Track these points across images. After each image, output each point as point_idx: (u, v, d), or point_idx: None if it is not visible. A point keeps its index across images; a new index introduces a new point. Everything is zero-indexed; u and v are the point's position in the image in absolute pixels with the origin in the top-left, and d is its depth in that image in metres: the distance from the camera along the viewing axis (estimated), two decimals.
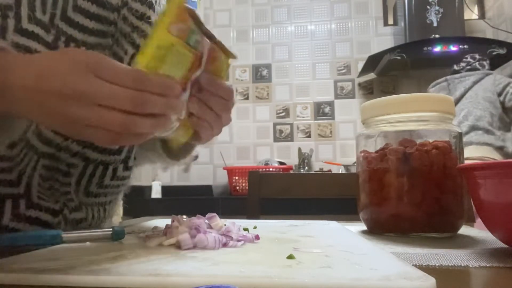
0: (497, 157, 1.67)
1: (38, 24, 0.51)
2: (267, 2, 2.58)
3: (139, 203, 2.02)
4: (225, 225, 0.46)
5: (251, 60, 2.55)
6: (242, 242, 0.43)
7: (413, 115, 0.57)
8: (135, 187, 0.73)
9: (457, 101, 1.84)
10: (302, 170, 2.32)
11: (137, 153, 0.71)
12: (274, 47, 2.55)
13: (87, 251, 0.40)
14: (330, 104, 2.47)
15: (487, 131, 1.74)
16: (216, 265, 0.33)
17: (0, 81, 0.38)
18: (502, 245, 0.46)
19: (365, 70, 2.34)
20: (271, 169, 2.23)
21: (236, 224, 0.46)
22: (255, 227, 0.58)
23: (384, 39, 2.46)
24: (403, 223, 0.54)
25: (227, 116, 0.54)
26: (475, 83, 1.82)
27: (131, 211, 0.72)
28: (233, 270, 0.31)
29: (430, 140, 0.56)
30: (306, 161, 2.34)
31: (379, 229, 0.58)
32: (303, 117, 2.48)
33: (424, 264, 0.37)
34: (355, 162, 0.83)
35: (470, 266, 0.37)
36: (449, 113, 0.58)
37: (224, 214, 0.61)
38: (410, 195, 0.54)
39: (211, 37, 0.48)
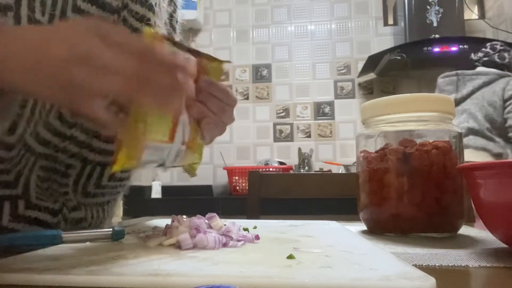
0: None
1: (37, 25, 0.51)
2: (267, 2, 2.58)
3: (139, 203, 2.02)
4: (225, 225, 0.46)
5: (251, 60, 2.55)
6: (242, 242, 0.43)
7: (413, 115, 0.57)
8: (135, 187, 0.73)
9: (462, 100, 1.76)
10: (302, 170, 2.32)
11: None
12: (274, 47, 2.55)
13: (87, 251, 0.40)
14: (330, 104, 2.47)
15: (486, 137, 1.68)
16: (216, 265, 0.33)
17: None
18: (502, 245, 0.46)
19: (365, 70, 2.34)
20: (271, 169, 2.23)
21: (236, 224, 0.46)
22: (255, 227, 0.58)
23: (384, 39, 2.46)
24: (403, 223, 0.54)
25: (228, 116, 0.54)
26: (485, 84, 1.74)
27: (131, 211, 0.72)
28: (233, 270, 0.31)
29: (430, 140, 0.56)
30: (306, 161, 2.34)
31: (379, 229, 0.58)
32: (303, 117, 2.48)
33: (424, 264, 0.37)
34: (355, 162, 0.83)
35: (470, 266, 0.37)
36: (449, 113, 0.58)
37: (224, 214, 0.61)
38: (410, 195, 0.54)
39: (196, 52, 0.47)
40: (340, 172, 2.21)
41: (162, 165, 0.46)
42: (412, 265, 0.34)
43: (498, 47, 1.79)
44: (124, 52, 0.35)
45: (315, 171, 2.34)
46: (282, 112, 2.50)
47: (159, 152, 0.44)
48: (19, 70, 0.36)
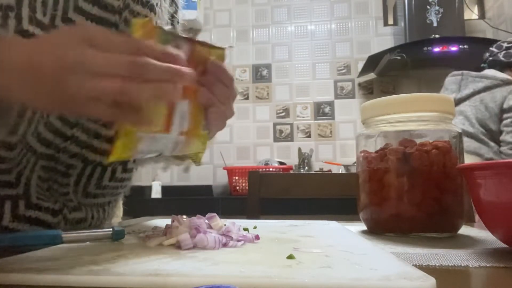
0: None
1: (39, 25, 0.51)
2: (267, 2, 2.58)
3: (139, 203, 2.02)
4: (225, 225, 0.46)
5: (251, 60, 2.55)
6: (242, 242, 0.43)
7: (413, 115, 0.57)
8: (135, 187, 0.73)
9: (461, 101, 1.73)
10: (302, 170, 2.32)
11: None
12: (274, 47, 2.55)
13: (87, 251, 0.40)
14: (330, 104, 2.47)
15: (480, 140, 1.65)
16: (216, 265, 0.33)
17: None
18: (502, 245, 0.46)
19: (365, 70, 2.34)
20: (271, 169, 2.23)
21: (236, 224, 0.46)
22: (255, 227, 0.58)
23: (384, 39, 2.46)
24: (403, 223, 0.54)
25: (230, 107, 0.53)
26: (486, 89, 1.69)
27: (131, 211, 0.73)
28: (233, 270, 0.31)
29: (430, 140, 0.56)
30: (306, 161, 2.34)
31: (379, 229, 0.58)
32: (303, 117, 2.48)
33: (424, 264, 0.37)
34: (355, 162, 0.83)
35: (470, 266, 0.37)
36: (449, 113, 0.58)
37: (224, 214, 0.61)
38: (410, 195, 0.54)
39: (192, 40, 0.48)
40: (340, 172, 2.21)
41: (161, 154, 0.47)
42: (412, 265, 0.34)
43: (505, 45, 1.73)
44: (113, 53, 0.36)
45: (315, 171, 2.34)
46: (282, 112, 2.50)
47: (155, 143, 0.45)
48: (15, 82, 0.37)
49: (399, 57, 2.06)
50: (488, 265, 0.37)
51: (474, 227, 0.66)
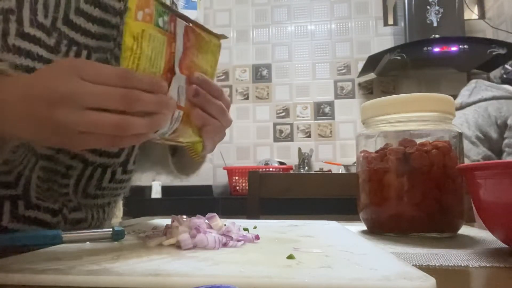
0: None
1: (40, 27, 0.51)
2: (267, 2, 2.58)
3: (139, 203, 2.02)
4: (225, 225, 0.46)
5: (251, 60, 2.55)
6: (242, 242, 0.43)
7: (413, 115, 0.57)
8: (135, 187, 0.73)
9: (468, 105, 1.76)
10: (302, 170, 2.32)
11: (143, 165, 0.71)
12: (274, 47, 2.55)
13: (87, 251, 0.40)
14: (330, 104, 2.46)
15: (472, 143, 1.66)
16: (216, 265, 0.33)
17: None
18: (502, 245, 0.46)
19: (365, 70, 2.34)
20: (271, 169, 2.23)
21: (236, 224, 0.46)
22: (255, 227, 0.58)
23: (384, 39, 2.46)
24: (403, 223, 0.54)
25: (226, 119, 0.53)
26: (494, 98, 1.72)
27: (131, 211, 0.72)
28: (233, 270, 0.31)
29: (430, 140, 0.56)
30: (306, 161, 2.34)
31: (379, 229, 0.58)
32: (303, 117, 2.48)
33: (424, 264, 0.37)
34: (355, 162, 0.83)
35: (470, 266, 0.37)
36: (449, 113, 0.58)
37: (224, 214, 0.61)
38: (410, 195, 0.54)
39: (189, 19, 0.48)
40: (340, 172, 2.21)
41: (163, 133, 0.47)
42: (412, 265, 0.34)
43: None
44: (104, 85, 0.37)
45: (315, 171, 2.34)
46: (282, 112, 2.50)
47: None
48: (10, 116, 0.38)
49: (399, 57, 2.06)
50: (488, 265, 0.37)
51: (474, 227, 0.66)
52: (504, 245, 0.45)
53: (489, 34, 2.32)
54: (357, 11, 2.50)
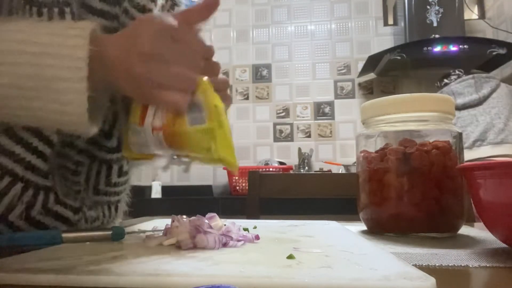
0: None
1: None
2: (267, 2, 2.58)
3: (139, 203, 2.02)
4: (225, 225, 0.46)
5: (251, 60, 2.55)
6: (242, 242, 0.43)
7: (413, 115, 0.57)
8: (135, 187, 0.73)
9: (485, 98, 1.78)
10: (302, 170, 2.32)
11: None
12: (274, 47, 2.55)
13: (87, 251, 0.40)
14: (330, 104, 2.46)
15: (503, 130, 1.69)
16: (216, 265, 0.33)
17: (98, 52, 0.43)
18: (502, 245, 0.46)
19: (365, 70, 2.34)
20: (271, 169, 2.23)
21: (236, 224, 0.46)
22: (255, 227, 0.58)
23: (384, 39, 2.46)
24: (403, 223, 0.54)
25: (228, 95, 0.54)
26: (497, 86, 1.78)
27: (131, 211, 0.73)
28: (233, 270, 0.31)
29: (430, 140, 0.56)
30: (306, 161, 2.34)
31: (379, 229, 0.58)
32: (303, 117, 2.48)
33: (424, 264, 0.37)
34: (355, 162, 0.83)
35: (470, 266, 0.37)
36: (449, 113, 0.58)
37: (224, 214, 0.61)
38: (410, 195, 0.54)
39: None
40: (340, 172, 2.21)
41: (155, 155, 0.48)
42: (412, 265, 0.34)
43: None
44: (188, 49, 0.45)
45: (315, 171, 2.34)
46: (282, 112, 2.50)
47: (137, 134, 0.48)
48: (112, 68, 0.44)
49: (399, 57, 2.06)
50: (488, 265, 0.37)
51: (474, 227, 0.66)
52: (504, 245, 0.45)
53: (489, 34, 2.32)
54: (357, 11, 2.50)
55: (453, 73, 1.89)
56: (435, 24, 2.18)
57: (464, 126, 1.72)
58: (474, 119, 1.72)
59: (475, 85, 1.79)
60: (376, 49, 2.36)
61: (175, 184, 2.49)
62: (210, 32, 2.57)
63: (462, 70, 1.88)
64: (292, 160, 2.41)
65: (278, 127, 2.49)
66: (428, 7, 2.20)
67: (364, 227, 0.61)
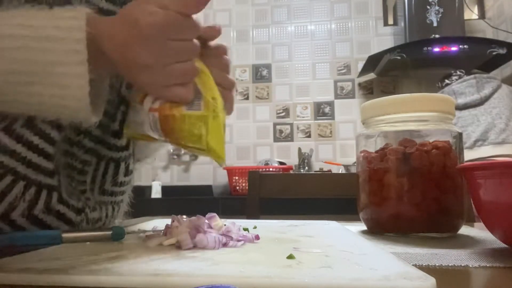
0: None
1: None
2: (267, 2, 2.58)
3: (139, 203, 2.01)
4: (225, 225, 0.46)
5: (251, 60, 2.55)
6: (242, 242, 0.43)
7: (413, 115, 0.57)
8: (135, 187, 0.73)
9: (486, 98, 1.78)
10: (302, 170, 2.32)
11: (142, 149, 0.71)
12: (274, 47, 2.55)
13: (87, 251, 0.40)
14: (330, 104, 2.46)
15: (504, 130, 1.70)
16: (216, 265, 0.33)
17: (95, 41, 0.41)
18: (502, 245, 0.46)
19: (365, 70, 2.34)
20: (271, 169, 2.23)
21: (236, 224, 0.46)
22: (255, 227, 0.58)
23: (384, 39, 2.46)
24: (403, 223, 0.54)
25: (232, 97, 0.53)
26: (499, 86, 1.79)
27: (131, 211, 0.73)
28: (233, 270, 0.31)
29: (430, 140, 0.56)
30: (306, 161, 2.34)
31: (379, 229, 0.58)
32: (303, 117, 2.48)
33: (424, 264, 0.37)
34: (355, 162, 0.83)
35: (470, 266, 0.37)
36: (449, 113, 0.58)
37: (224, 214, 0.61)
38: (410, 195, 0.54)
39: None
40: (340, 172, 2.21)
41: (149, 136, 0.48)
42: (412, 265, 0.34)
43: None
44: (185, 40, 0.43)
45: (315, 171, 2.34)
46: (282, 112, 2.50)
47: (136, 113, 0.48)
48: (113, 47, 0.42)
49: (399, 57, 2.06)
50: (488, 265, 0.37)
51: (474, 227, 0.66)
52: (504, 245, 0.45)
53: (489, 34, 2.32)
54: (357, 11, 2.50)
55: (454, 73, 1.90)
56: (435, 24, 2.18)
57: (465, 126, 1.72)
58: (475, 119, 1.72)
59: (476, 85, 1.80)
60: (376, 49, 2.36)
61: (175, 184, 2.49)
62: None
63: (464, 71, 1.88)
64: (292, 160, 2.41)
65: (278, 127, 2.49)
66: (428, 7, 2.19)
67: (364, 227, 0.61)
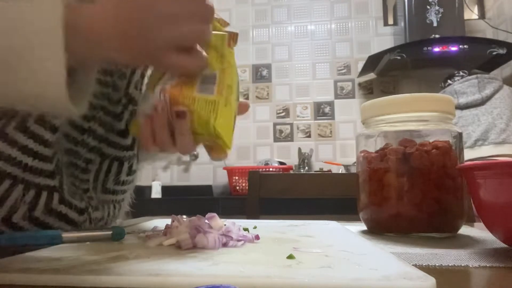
0: None
1: None
2: (267, 2, 2.58)
3: (139, 203, 2.02)
4: (225, 225, 0.46)
5: (251, 60, 2.55)
6: (242, 242, 0.43)
7: (413, 115, 0.57)
8: (135, 187, 0.73)
9: (488, 98, 1.79)
10: (302, 170, 2.32)
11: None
12: (274, 47, 2.55)
13: (87, 251, 0.40)
14: (330, 104, 2.46)
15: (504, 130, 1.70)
16: (216, 265, 0.33)
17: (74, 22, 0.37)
18: (502, 245, 0.46)
19: (365, 70, 2.34)
20: (271, 169, 2.23)
21: (236, 224, 0.46)
22: (255, 227, 0.58)
23: (384, 39, 2.46)
24: (403, 223, 0.54)
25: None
26: (500, 87, 1.79)
27: (131, 211, 0.73)
28: (233, 270, 0.31)
29: (430, 140, 0.56)
30: (306, 161, 2.34)
31: (379, 229, 0.58)
32: (303, 117, 2.48)
33: (424, 264, 0.37)
34: (355, 162, 0.83)
35: (470, 266, 0.37)
36: (449, 113, 0.58)
37: (224, 214, 0.61)
38: (410, 195, 0.54)
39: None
40: (340, 172, 2.21)
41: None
42: (412, 265, 0.34)
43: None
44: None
45: (315, 171, 2.34)
46: (282, 112, 2.50)
47: (147, 101, 0.46)
48: (105, 32, 0.39)
49: (399, 57, 2.06)
50: (488, 265, 0.37)
51: (474, 227, 0.66)
52: (504, 245, 0.45)
53: (489, 34, 2.32)
54: (357, 11, 2.50)
55: (457, 74, 1.90)
56: (435, 24, 2.18)
57: (466, 126, 1.72)
58: (476, 119, 1.72)
59: (478, 85, 1.80)
60: (376, 49, 2.36)
61: (175, 184, 2.49)
62: None
63: (466, 72, 1.88)
64: (292, 160, 2.41)
65: (278, 127, 2.49)
66: (428, 7, 2.19)
67: (364, 227, 0.61)
